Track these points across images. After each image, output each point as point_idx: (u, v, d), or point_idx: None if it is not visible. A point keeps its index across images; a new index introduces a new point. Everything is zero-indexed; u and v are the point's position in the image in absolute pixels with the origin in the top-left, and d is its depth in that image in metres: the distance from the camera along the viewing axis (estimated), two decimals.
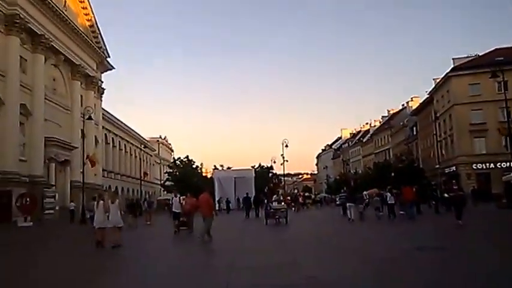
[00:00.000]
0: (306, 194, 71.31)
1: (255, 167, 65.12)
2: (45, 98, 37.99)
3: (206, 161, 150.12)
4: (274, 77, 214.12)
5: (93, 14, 47.52)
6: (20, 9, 33.85)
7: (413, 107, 75.04)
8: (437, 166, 52.90)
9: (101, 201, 15.05)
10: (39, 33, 36.70)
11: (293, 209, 40.03)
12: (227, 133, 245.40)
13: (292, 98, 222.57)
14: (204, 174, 71.90)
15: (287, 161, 53.77)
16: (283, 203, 29.82)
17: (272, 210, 25.44)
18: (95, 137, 49.00)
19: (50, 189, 35.59)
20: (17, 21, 33.47)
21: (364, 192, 31.90)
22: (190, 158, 66.34)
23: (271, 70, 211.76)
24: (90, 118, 37.13)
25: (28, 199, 29.51)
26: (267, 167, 67.09)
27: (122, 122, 67.01)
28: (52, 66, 40.72)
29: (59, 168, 40.39)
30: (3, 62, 32.44)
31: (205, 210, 16.19)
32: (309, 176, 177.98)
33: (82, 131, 39.58)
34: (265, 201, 34.58)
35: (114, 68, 55.60)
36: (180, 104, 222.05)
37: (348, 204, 26.35)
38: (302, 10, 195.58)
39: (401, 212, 25.46)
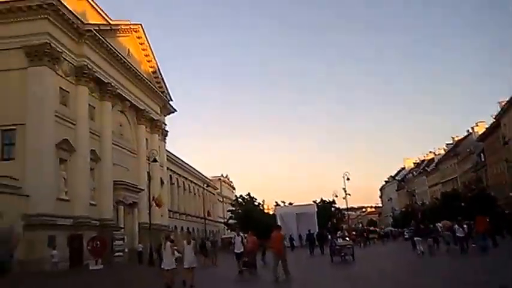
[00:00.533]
0: (371, 228, 69.49)
1: (317, 202, 64.39)
2: (113, 143, 39.62)
3: (267, 197, 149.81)
4: (332, 108, 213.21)
5: (155, 60, 49.65)
6: (87, 60, 35.79)
7: (479, 133, 72.29)
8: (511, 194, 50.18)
9: (168, 243, 15.33)
10: (105, 81, 38.58)
11: (360, 244, 38.96)
12: (287, 168, 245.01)
13: (351, 129, 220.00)
14: (265, 211, 71.81)
15: (349, 194, 52.98)
16: (347, 239, 29.19)
17: (337, 246, 24.89)
18: (161, 178, 50.31)
19: (119, 232, 36.65)
20: (86, 71, 35.37)
21: (438, 224, 30.70)
22: (251, 195, 66.63)
23: (328, 101, 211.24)
24: (155, 160, 38.26)
25: (98, 242, 30.42)
26: (329, 201, 66.15)
27: (185, 163, 68.54)
28: (118, 112, 42.55)
29: (127, 210, 41.60)
30: (74, 111, 34.19)
31: (276, 249, 15.95)
32: (373, 209, 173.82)
33: (148, 173, 40.76)
34: (330, 237, 33.98)
35: (176, 111, 57.47)
36: (239, 141, 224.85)
37: (415, 238, 25.41)
38: (369, 41, 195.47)
39: (473, 245, 24.22)
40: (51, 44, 31.33)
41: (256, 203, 66.42)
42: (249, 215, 57.20)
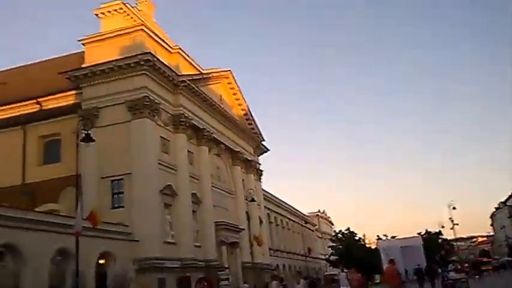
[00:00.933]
0: (484, 259, 65.06)
1: (422, 234, 61.57)
2: (212, 185, 40.80)
3: (367, 231, 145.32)
4: (428, 136, 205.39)
5: (245, 103, 51.12)
6: (183, 108, 37.59)
7: None
8: None
9: (274, 282, 15.53)
10: (201, 127, 40.14)
11: (474, 277, 36.51)
12: (386, 200, 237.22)
13: (454, 155, 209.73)
14: (367, 245, 69.84)
15: (457, 224, 50.23)
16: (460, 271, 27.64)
17: (450, 280, 23.65)
18: (259, 217, 50.76)
19: (224, 272, 37.19)
20: (183, 120, 37.15)
21: None
22: (351, 229, 65.27)
23: (425, 128, 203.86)
24: (253, 200, 38.94)
25: (206, 283, 31.04)
26: (435, 232, 63.04)
27: (281, 200, 68.89)
28: (215, 155, 43.92)
29: (230, 250, 42.22)
30: (174, 158, 35.88)
31: (393, 283, 15.49)
32: (484, 238, 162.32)
33: (247, 212, 41.44)
34: (440, 270, 32.28)
35: (269, 150, 58.34)
36: (335, 175, 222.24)
37: None
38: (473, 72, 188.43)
39: None
40: (150, 97, 33.33)
41: (356, 238, 64.94)
42: (350, 250, 55.92)
